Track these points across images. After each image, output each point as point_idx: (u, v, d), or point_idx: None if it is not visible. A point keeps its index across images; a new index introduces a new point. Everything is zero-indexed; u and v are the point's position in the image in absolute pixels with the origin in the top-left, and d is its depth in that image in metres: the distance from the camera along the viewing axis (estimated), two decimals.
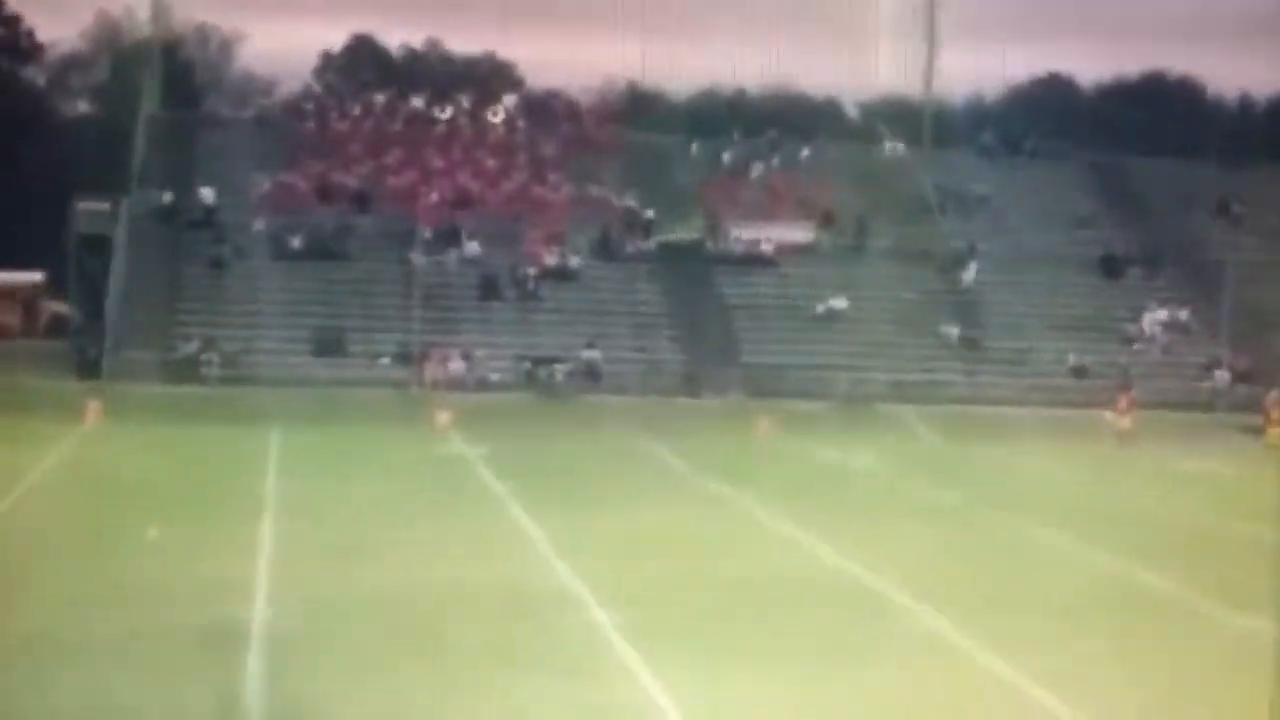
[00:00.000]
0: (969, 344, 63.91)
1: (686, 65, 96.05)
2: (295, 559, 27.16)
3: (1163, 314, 66.50)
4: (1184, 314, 66.60)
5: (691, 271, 65.80)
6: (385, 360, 59.37)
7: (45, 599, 23.48)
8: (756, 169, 72.07)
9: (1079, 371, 62.68)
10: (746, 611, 23.91)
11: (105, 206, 63.60)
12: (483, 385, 58.44)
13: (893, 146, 75.71)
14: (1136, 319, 66.33)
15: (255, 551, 27.55)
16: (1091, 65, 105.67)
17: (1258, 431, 54.20)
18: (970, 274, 67.11)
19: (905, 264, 67.60)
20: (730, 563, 28.11)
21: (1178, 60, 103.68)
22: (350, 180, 67.74)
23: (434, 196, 66.98)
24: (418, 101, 74.88)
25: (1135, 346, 65.17)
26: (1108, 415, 53.37)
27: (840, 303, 64.42)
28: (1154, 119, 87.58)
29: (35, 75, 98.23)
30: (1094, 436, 51.73)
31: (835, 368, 61.30)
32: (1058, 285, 67.53)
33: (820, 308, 64.34)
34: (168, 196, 65.64)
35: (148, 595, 23.92)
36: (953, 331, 64.16)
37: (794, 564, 28.30)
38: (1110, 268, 69.12)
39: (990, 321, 65.58)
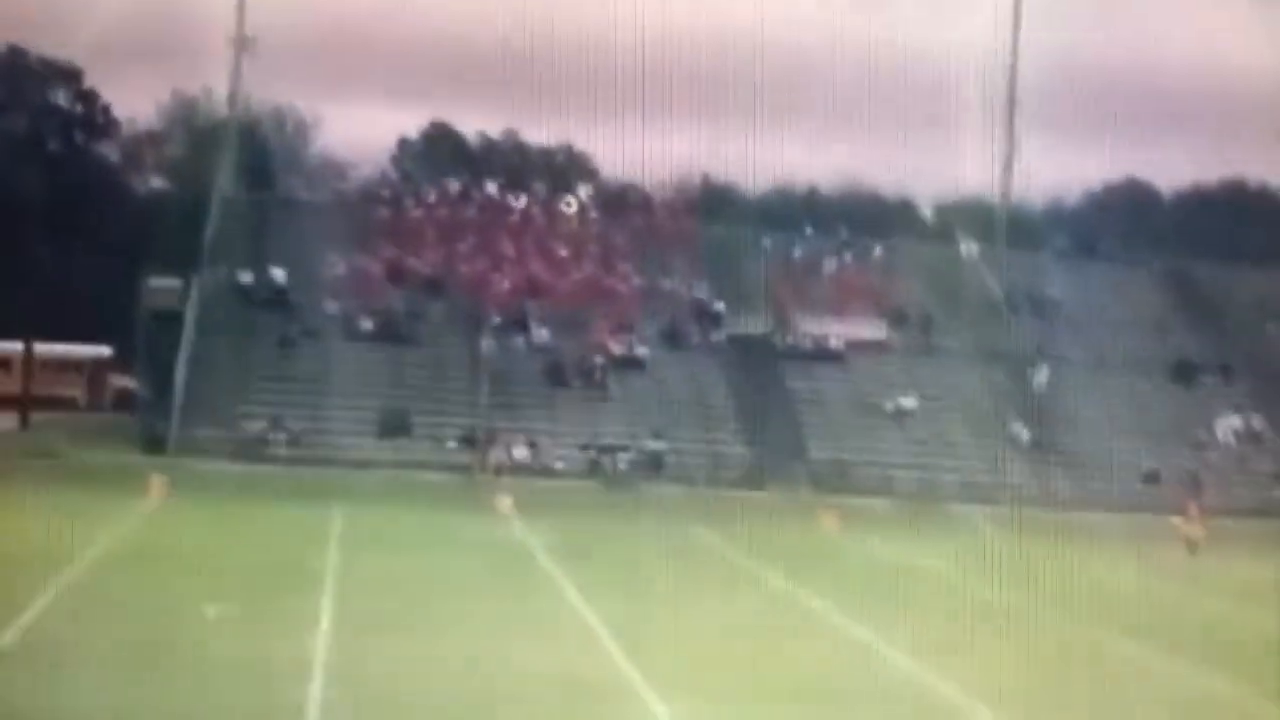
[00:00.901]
0: (1039, 446, 63.34)
1: (760, 160, 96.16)
2: (355, 639, 26.99)
3: (1236, 421, 65.85)
4: (1257, 422, 65.89)
5: (759, 365, 65.60)
6: (451, 444, 59.30)
7: (106, 674, 23.37)
8: (828, 265, 71.95)
9: (1151, 477, 61.99)
10: (807, 710, 23.55)
11: (176, 283, 63.99)
12: (547, 472, 58.28)
13: (968, 247, 75.39)
14: (1209, 425, 65.63)
15: (315, 630, 27.39)
16: (1170, 170, 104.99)
17: None
18: (1043, 377, 66.60)
19: (976, 364, 67.25)
20: (792, 659, 27.76)
21: (1257, 168, 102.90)
22: (423, 265, 67.98)
23: (505, 283, 67.11)
24: (492, 189, 75.16)
25: (1208, 453, 64.42)
26: (1177, 521, 52.65)
27: (910, 401, 64.02)
28: (1231, 226, 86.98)
29: (110, 151, 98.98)
30: (1164, 542, 51.00)
31: (903, 466, 60.86)
32: (1130, 390, 67.03)
33: (890, 405, 63.94)
34: (239, 275, 65.99)
35: (208, 672, 23.79)
36: (1023, 433, 63.62)
37: (856, 662, 27.92)
38: (1184, 374, 68.56)
39: (1061, 424, 65.00)
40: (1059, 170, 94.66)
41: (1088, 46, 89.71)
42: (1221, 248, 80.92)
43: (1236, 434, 65.49)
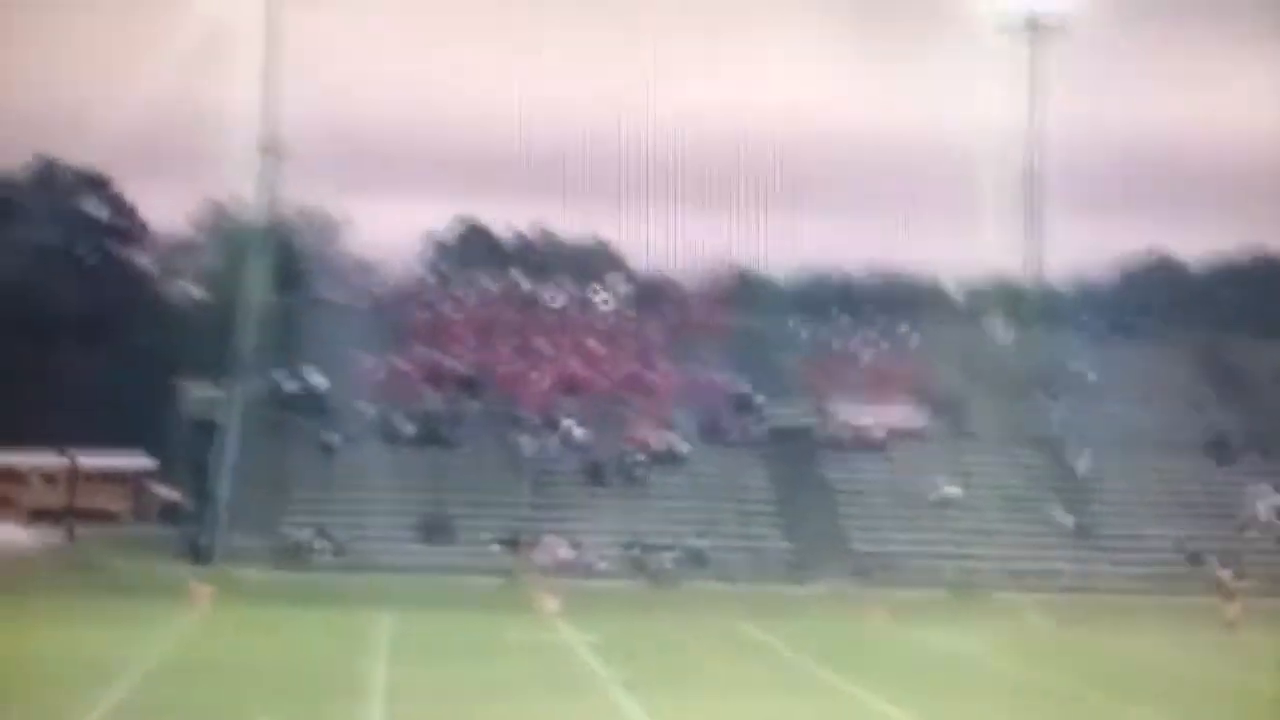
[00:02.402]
0: (1082, 531, 63.21)
1: (792, 250, 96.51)
2: None
3: (1276, 499, 65.54)
4: None
5: (799, 456, 65.65)
6: (494, 547, 59.42)
7: None
8: (865, 353, 72.06)
9: (1193, 558, 61.70)
10: None
11: (214, 392, 64.37)
12: (590, 572, 58.33)
13: (1000, 329, 75.43)
14: (1249, 504, 65.40)
15: None
16: (1197, 244, 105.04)
17: None
18: (1085, 461, 66.40)
19: (1016, 449, 67.19)
20: None
21: None
22: (460, 366, 68.31)
23: (543, 382, 67.38)
24: (526, 286, 75.49)
25: (1248, 532, 64.15)
26: (1220, 601, 52.47)
27: (955, 490, 63.89)
28: (1262, 300, 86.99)
29: (143, 259, 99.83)
30: (1207, 623, 50.84)
31: (946, 555, 60.75)
32: (1169, 470, 66.88)
33: (934, 495, 63.84)
34: (277, 381, 66.37)
35: None
36: (1066, 518, 63.45)
37: None
38: (1220, 452, 68.34)
39: (1102, 508, 64.84)
40: (1087, 248, 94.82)
41: (1108, 124, 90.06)
42: (1253, 321, 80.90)
43: (1276, 511, 65.18)
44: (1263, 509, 65.25)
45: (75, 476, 68.93)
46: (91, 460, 71.41)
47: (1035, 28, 75.94)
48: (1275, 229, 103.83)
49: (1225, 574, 55.22)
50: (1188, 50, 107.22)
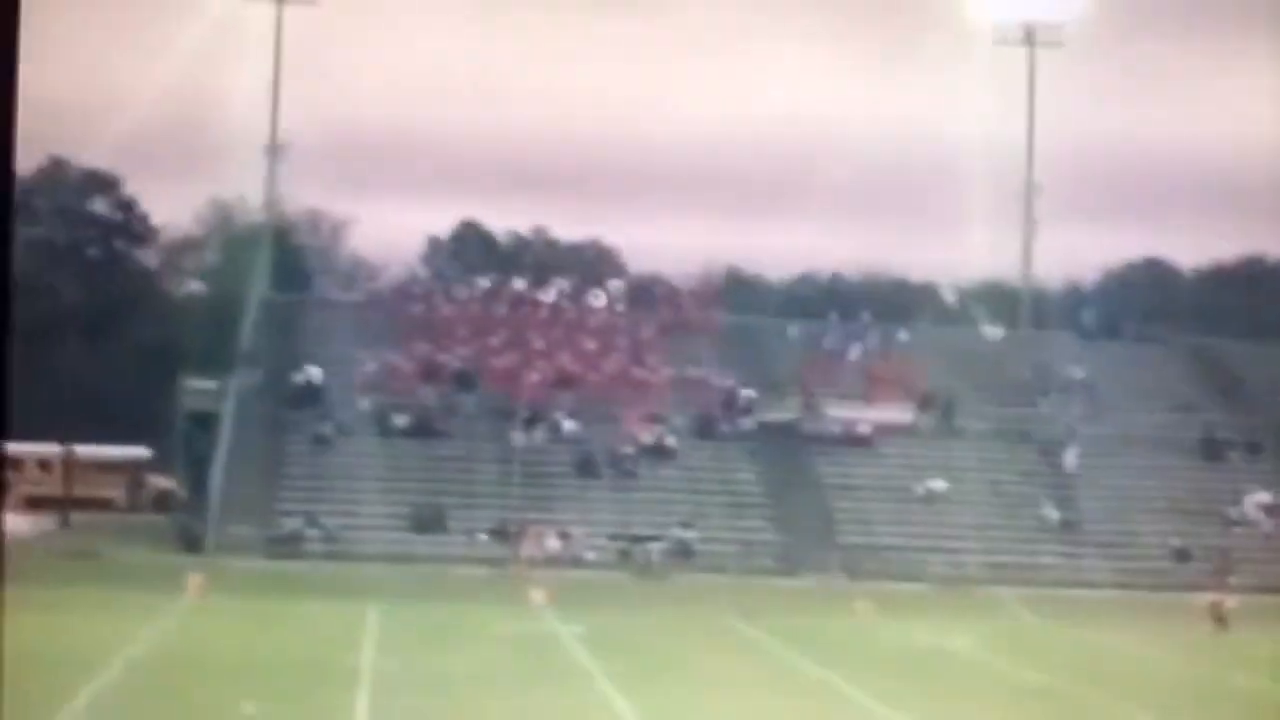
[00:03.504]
0: (1069, 526, 63.56)
1: (784, 250, 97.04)
2: None
3: (1264, 497, 65.89)
4: None
5: (789, 451, 66.00)
6: (483, 537, 59.81)
7: None
8: (854, 351, 72.43)
9: (1181, 555, 62.07)
10: None
11: (212, 385, 64.76)
12: (578, 563, 58.69)
13: (991, 330, 75.84)
14: (1237, 502, 65.75)
15: None
16: (1190, 248, 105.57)
17: None
18: (1072, 457, 66.83)
19: (1004, 446, 67.58)
20: None
21: (1276, 243, 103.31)
22: (454, 361, 68.67)
23: (535, 377, 67.74)
24: (521, 285, 75.82)
25: (1236, 530, 64.51)
26: (1206, 599, 52.70)
27: (940, 484, 64.30)
28: (1252, 302, 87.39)
29: (148, 256, 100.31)
30: (1193, 621, 51.03)
31: (934, 550, 61.09)
32: (1158, 468, 67.22)
33: (920, 489, 64.24)
34: (274, 375, 66.72)
35: None
36: (1053, 514, 63.83)
37: None
38: (1210, 451, 68.70)
39: (1090, 504, 65.21)
40: (1079, 251, 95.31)
41: (1102, 129, 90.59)
42: (1243, 324, 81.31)
43: (1264, 510, 65.54)
44: (1250, 507, 65.54)
45: (71, 465, 69.22)
46: (87, 449, 71.73)
47: (1032, 38, 76.35)
48: (1267, 235, 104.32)
49: (1214, 572, 55.40)
50: (1182, 61, 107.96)
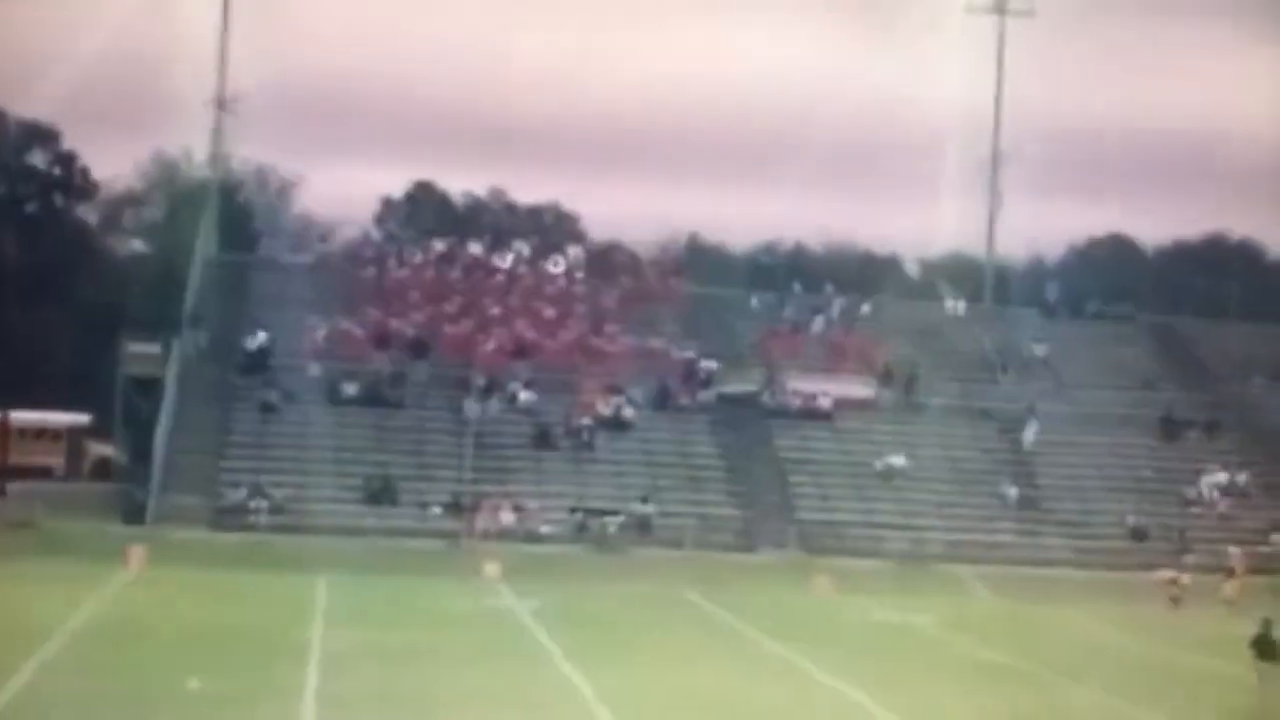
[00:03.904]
0: (1027, 504, 63.06)
1: (747, 220, 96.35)
2: (340, 713, 26.60)
3: (1221, 477, 65.51)
4: (1243, 477, 65.60)
5: (748, 425, 65.22)
6: (436, 510, 58.76)
7: None
8: (817, 324, 71.71)
9: (1138, 533, 61.68)
10: None
11: (155, 348, 63.22)
12: (533, 537, 57.77)
13: (954, 304, 75.37)
14: (1195, 481, 65.36)
15: (299, 703, 26.98)
16: (1153, 226, 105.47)
17: None
18: (1030, 435, 66.32)
19: (965, 422, 67.09)
20: None
21: (1238, 222, 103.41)
22: (407, 327, 67.56)
23: (491, 345, 66.73)
24: (477, 249, 74.66)
25: (1193, 509, 64.09)
26: (1162, 577, 52.58)
27: (899, 460, 63.66)
28: (1214, 281, 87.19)
29: (88, 213, 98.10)
30: (1150, 599, 50.88)
31: (892, 526, 60.50)
32: (1117, 446, 66.81)
33: (879, 464, 63.59)
34: (220, 339, 65.44)
35: None
36: (1011, 492, 63.31)
37: None
38: (1169, 430, 68.29)
39: (1049, 482, 64.73)
40: (1043, 226, 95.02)
41: (1069, 104, 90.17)
42: (1205, 302, 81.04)
43: (1221, 490, 65.15)
44: (1207, 487, 65.17)
45: (7, 431, 67.56)
46: (24, 415, 70.13)
47: (1003, 6, 75.92)
48: (1231, 213, 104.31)
49: (1235, 551, 55.28)
50: (1152, 37, 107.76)
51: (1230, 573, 52.59)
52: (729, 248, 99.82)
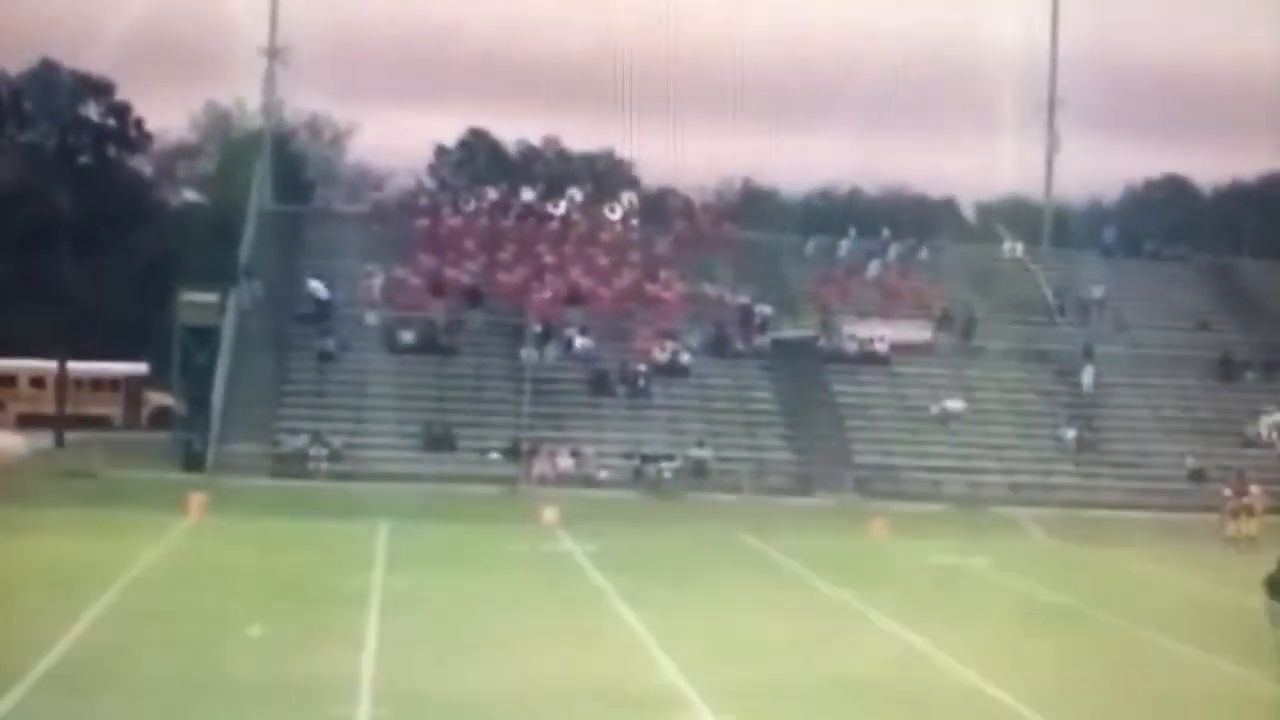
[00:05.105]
0: (1085, 446, 62.84)
1: (802, 164, 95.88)
2: (401, 656, 26.75)
3: (1279, 417, 65.16)
4: None
5: (804, 370, 65.16)
6: (494, 456, 59.01)
7: (149, 697, 23.15)
8: (873, 267, 71.48)
9: (1197, 475, 61.36)
10: (860, 716, 23.25)
11: (212, 298, 63.41)
12: (591, 482, 57.93)
13: (1011, 247, 74.94)
14: (1254, 422, 65.01)
15: (361, 649, 27.15)
16: (1210, 167, 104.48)
17: None
18: (1089, 377, 66.07)
19: (1022, 365, 66.88)
20: (840, 665, 27.55)
21: None
22: (463, 275, 67.68)
23: (546, 292, 66.80)
24: (531, 197, 74.62)
25: (1252, 450, 63.72)
26: (1222, 519, 52.26)
27: (956, 404, 63.52)
28: (1272, 221, 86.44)
29: (142, 164, 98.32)
30: (1211, 541, 50.60)
31: (949, 470, 60.41)
32: (1175, 388, 66.56)
33: (935, 408, 63.47)
34: (276, 289, 65.66)
35: (251, 694, 23.55)
36: (1069, 434, 63.11)
37: (905, 668, 27.71)
38: (1227, 370, 67.93)
39: (1107, 424, 64.50)
40: (1101, 168, 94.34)
41: (1127, 44, 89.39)
42: (1263, 243, 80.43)
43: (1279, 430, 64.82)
44: (1265, 426, 64.83)
45: (65, 381, 68.03)
46: (82, 365, 70.61)
47: None
48: None
49: (1255, 490, 54.88)
50: None
51: (1250, 510, 52.09)
52: (783, 192, 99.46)
